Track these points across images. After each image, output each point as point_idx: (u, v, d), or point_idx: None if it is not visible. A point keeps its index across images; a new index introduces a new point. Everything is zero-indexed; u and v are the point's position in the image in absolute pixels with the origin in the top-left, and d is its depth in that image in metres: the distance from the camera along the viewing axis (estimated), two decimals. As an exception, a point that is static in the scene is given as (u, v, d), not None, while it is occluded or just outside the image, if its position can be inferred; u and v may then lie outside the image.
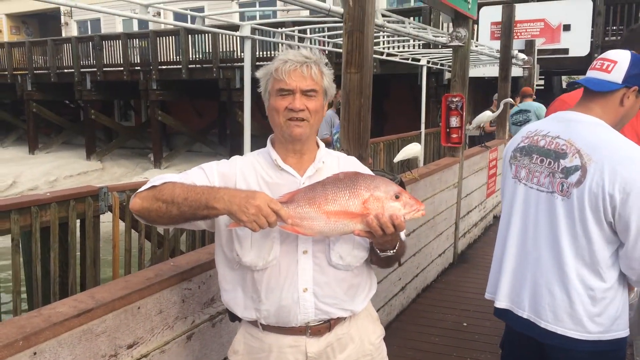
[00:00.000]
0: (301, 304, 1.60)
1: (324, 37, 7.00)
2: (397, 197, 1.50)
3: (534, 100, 8.38)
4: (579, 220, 1.78)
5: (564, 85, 17.58)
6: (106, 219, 4.50)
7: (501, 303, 2.02)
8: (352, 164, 1.79)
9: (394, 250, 1.61)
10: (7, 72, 21.33)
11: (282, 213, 1.44)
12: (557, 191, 1.82)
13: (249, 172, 1.67)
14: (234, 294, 1.67)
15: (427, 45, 9.50)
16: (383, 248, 1.60)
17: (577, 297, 1.81)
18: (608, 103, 1.87)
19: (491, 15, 10.92)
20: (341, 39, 3.05)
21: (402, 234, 1.70)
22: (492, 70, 10.47)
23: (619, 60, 1.85)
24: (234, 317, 1.73)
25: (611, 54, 1.89)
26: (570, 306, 1.82)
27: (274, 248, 1.59)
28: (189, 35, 16.59)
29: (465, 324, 4.24)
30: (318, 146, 1.73)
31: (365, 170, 1.79)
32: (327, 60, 1.70)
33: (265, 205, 1.41)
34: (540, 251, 1.89)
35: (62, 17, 26.17)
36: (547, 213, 1.86)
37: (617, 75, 1.84)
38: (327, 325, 1.66)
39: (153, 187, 1.56)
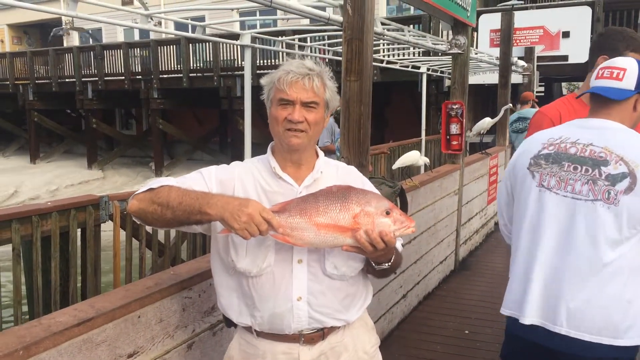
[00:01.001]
0: (295, 313, 1.61)
1: (323, 45, 7.04)
2: (387, 213, 1.51)
3: (533, 106, 8.40)
4: (627, 227, 1.76)
5: (564, 92, 17.60)
6: (107, 228, 4.50)
7: (530, 319, 1.90)
8: (350, 173, 1.80)
9: (389, 264, 1.63)
10: (8, 82, 21.43)
11: (273, 222, 1.45)
12: (603, 199, 1.78)
13: (247, 178, 1.68)
14: (229, 299, 1.68)
15: (426, 52, 9.52)
16: (378, 261, 1.61)
17: (619, 307, 1.78)
18: (622, 109, 1.90)
19: (490, 22, 10.98)
20: (341, 47, 3.07)
21: (399, 244, 1.70)
22: (492, 78, 10.49)
23: (628, 67, 1.88)
24: (229, 323, 1.74)
25: (617, 62, 1.92)
26: (611, 316, 1.78)
27: (268, 256, 1.59)
28: (190, 44, 16.68)
29: (467, 332, 4.22)
30: (317, 156, 1.74)
31: (363, 180, 1.80)
32: (331, 73, 1.70)
33: (257, 214, 1.43)
34: (580, 261, 1.81)
35: (64, 27, 26.29)
36: (587, 221, 1.81)
37: (630, 82, 1.87)
38: (321, 333, 1.66)
39: (150, 189, 1.58)
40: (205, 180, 1.66)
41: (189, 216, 1.50)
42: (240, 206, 1.44)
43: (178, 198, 1.51)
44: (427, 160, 5.08)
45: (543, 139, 2.01)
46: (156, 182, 1.61)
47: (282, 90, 1.60)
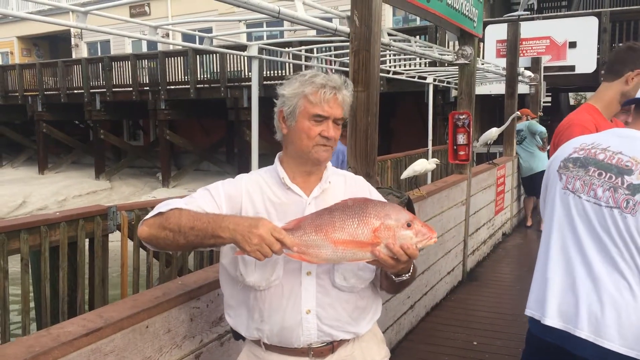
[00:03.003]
0: (304, 326, 1.59)
1: (330, 56, 7.07)
2: (409, 225, 1.46)
3: (527, 120, 8.58)
4: None
5: (572, 102, 17.56)
6: (115, 238, 4.52)
7: (551, 320, 1.89)
8: (358, 183, 1.78)
9: (409, 274, 1.59)
10: (17, 93, 21.63)
11: (286, 241, 1.42)
12: (622, 207, 1.78)
13: (254, 191, 1.66)
14: (238, 312, 1.67)
15: (433, 63, 9.55)
16: (399, 273, 1.57)
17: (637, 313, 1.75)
18: None
19: (496, 33, 10.98)
20: (347, 57, 3.08)
21: None
22: (499, 88, 10.49)
23: None
24: (237, 336, 1.73)
25: None
26: (631, 323, 1.75)
27: (277, 268, 1.57)
28: (197, 56, 16.79)
29: (475, 343, 4.19)
30: (325, 166, 1.73)
31: (371, 190, 1.78)
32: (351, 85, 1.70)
33: (268, 234, 1.39)
34: (599, 266, 1.81)
35: (73, 39, 26.60)
36: (604, 227, 1.81)
37: None
38: (330, 347, 1.64)
39: (160, 214, 1.55)
40: (214, 198, 1.63)
41: (202, 240, 1.48)
42: (250, 227, 1.40)
43: (189, 223, 1.48)
44: (436, 161, 5.06)
45: (576, 143, 2.02)
46: (165, 205, 1.57)
47: (318, 106, 1.58)
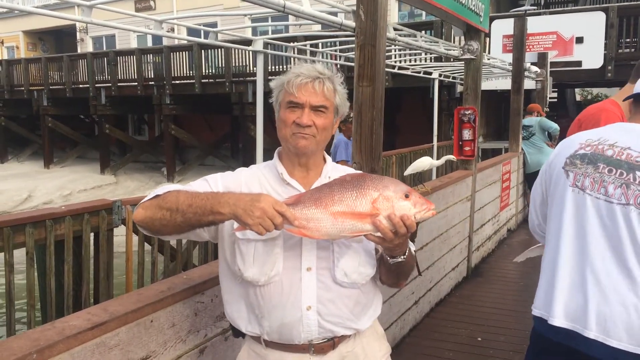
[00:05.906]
0: (304, 322, 1.57)
1: (335, 51, 7.05)
2: (407, 196, 1.46)
3: (538, 116, 8.54)
4: None
5: (578, 97, 17.46)
6: (120, 233, 4.53)
7: (559, 321, 1.86)
8: None
9: (404, 256, 1.57)
10: (23, 88, 21.71)
11: (287, 214, 1.40)
12: (635, 204, 1.76)
13: (253, 185, 1.66)
14: (237, 307, 1.66)
15: (438, 58, 9.51)
16: (393, 254, 1.56)
17: None
18: None
19: (503, 28, 10.93)
20: (353, 52, 3.07)
21: (412, 246, 1.67)
22: (505, 83, 10.45)
23: None
24: (237, 333, 1.71)
25: None
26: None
27: (276, 264, 1.56)
28: (202, 51, 16.79)
29: (479, 339, 4.18)
30: (325, 161, 1.72)
31: None
32: (342, 78, 1.69)
33: (270, 207, 1.38)
34: (609, 264, 1.78)
35: (78, 34, 26.63)
36: (616, 225, 1.78)
37: None
38: (331, 343, 1.62)
39: (157, 196, 1.55)
40: (211, 186, 1.63)
41: (201, 218, 1.46)
42: (252, 201, 1.40)
43: (187, 200, 1.48)
44: (451, 158, 5.06)
45: (581, 139, 1.98)
46: (161, 189, 1.58)
47: (291, 93, 1.58)
